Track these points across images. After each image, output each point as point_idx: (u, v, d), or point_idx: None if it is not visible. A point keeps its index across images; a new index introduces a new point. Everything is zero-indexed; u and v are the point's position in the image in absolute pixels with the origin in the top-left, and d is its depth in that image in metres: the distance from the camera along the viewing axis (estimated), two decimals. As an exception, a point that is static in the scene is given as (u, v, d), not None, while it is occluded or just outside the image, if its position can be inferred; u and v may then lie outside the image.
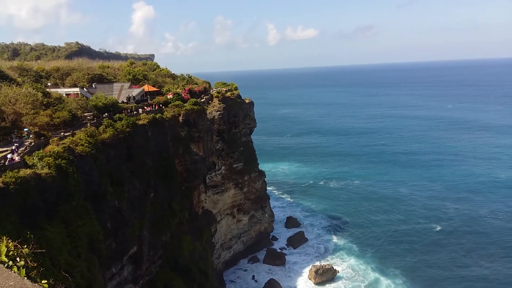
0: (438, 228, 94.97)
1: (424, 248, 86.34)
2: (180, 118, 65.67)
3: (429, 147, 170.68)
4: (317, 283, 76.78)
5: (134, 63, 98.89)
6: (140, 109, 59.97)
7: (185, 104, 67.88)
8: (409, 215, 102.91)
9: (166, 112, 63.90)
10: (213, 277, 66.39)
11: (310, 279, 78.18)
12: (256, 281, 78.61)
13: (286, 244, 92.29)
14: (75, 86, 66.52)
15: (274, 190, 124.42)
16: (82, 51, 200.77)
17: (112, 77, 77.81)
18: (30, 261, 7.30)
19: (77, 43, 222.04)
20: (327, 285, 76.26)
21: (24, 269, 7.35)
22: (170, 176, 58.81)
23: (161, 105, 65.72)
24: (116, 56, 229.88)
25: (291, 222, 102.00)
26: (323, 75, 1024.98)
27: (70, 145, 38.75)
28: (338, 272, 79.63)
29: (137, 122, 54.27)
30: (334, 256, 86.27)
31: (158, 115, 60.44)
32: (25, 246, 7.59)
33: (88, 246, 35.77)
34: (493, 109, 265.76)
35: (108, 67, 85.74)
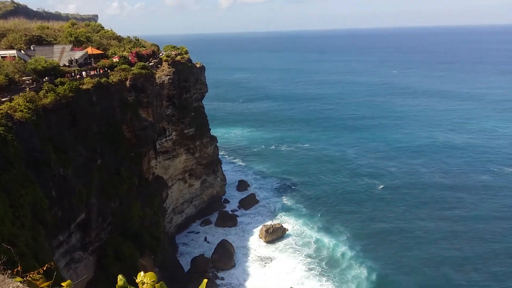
0: (381, 186, 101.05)
1: (369, 205, 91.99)
2: (127, 82, 63.81)
3: (375, 111, 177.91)
4: (267, 242, 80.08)
5: (76, 24, 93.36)
6: (83, 73, 57.55)
7: (132, 68, 65.80)
8: (355, 176, 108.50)
9: (112, 76, 61.80)
10: (165, 241, 67.36)
11: (261, 238, 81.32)
12: (208, 242, 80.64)
13: (237, 206, 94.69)
14: (11, 48, 62.26)
15: (226, 154, 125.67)
16: (18, 10, 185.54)
17: (52, 39, 73.34)
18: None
19: (12, 1, 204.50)
20: (277, 243, 79.76)
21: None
22: (117, 142, 57.81)
23: (106, 68, 63.31)
24: (56, 17, 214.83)
25: (242, 185, 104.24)
26: (275, 39, 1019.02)
27: (8, 111, 37.00)
28: (288, 230, 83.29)
29: (80, 86, 52.28)
30: (284, 216, 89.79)
31: (103, 79, 58.41)
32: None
33: (33, 215, 35.12)
34: (435, 75, 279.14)
35: (48, 28, 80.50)
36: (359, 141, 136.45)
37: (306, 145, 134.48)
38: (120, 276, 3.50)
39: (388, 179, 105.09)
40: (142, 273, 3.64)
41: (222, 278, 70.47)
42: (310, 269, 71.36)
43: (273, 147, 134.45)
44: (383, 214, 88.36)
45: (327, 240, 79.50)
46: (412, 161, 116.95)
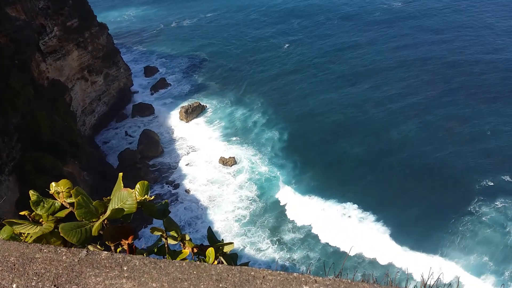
0: (287, 45, 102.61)
1: (276, 65, 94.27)
2: (-22, -24, 52.60)
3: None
4: (189, 121, 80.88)
5: None
6: None
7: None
8: (259, 36, 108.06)
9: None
10: (84, 144, 64.96)
11: (182, 119, 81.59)
12: (130, 135, 79.31)
13: (150, 94, 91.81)
14: None
15: (123, 41, 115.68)
16: None
17: None
18: None
19: None
20: (197, 120, 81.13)
21: None
22: (-6, 51, 50.09)
23: None
24: None
25: (149, 71, 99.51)
26: None
27: None
28: (206, 106, 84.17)
29: None
30: (199, 94, 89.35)
31: None
32: None
33: None
34: None
35: None
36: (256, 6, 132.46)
37: (209, 15, 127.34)
38: (31, 192, 3.19)
39: (292, 38, 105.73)
40: (53, 183, 3.29)
41: (154, 165, 71.70)
42: (234, 138, 75.05)
43: (174, 24, 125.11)
44: (291, 74, 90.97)
45: (243, 110, 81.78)
46: (311, 17, 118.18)
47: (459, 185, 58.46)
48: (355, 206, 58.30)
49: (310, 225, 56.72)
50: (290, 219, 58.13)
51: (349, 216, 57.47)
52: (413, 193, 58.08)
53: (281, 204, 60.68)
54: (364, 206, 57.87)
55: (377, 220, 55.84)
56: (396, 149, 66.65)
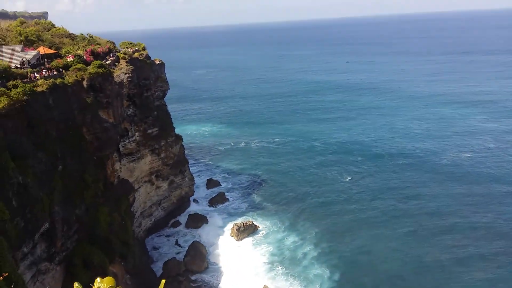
0: (349, 178, 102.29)
1: (337, 199, 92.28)
2: (84, 82, 60.59)
3: (341, 105, 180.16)
4: (239, 240, 79.14)
5: (25, 22, 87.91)
6: (37, 74, 53.99)
7: (88, 67, 62.53)
8: (323, 168, 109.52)
9: (67, 76, 58.37)
10: (135, 246, 64.95)
11: (232, 236, 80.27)
12: (179, 245, 78.67)
13: (207, 206, 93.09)
14: (-47, 50, 57.55)
15: (193, 153, 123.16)
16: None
17: (0, 39, 68.54)
18: None
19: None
20: (249, 241, 78.94)
21: None
22: (79, 147, 54.77)
23: (60, 69, 59.81)
24: (3, 15, 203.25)
25: (211, 184, 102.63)
26: (234, 33, 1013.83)
27: (-45, 118, 33.78)
28: (259, 227, 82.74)
29: (35, 89, 48.91)
30: (254, 213, 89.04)
31: (58, 80, 55.01)
32: None
33: (-9, 228, 32.33)
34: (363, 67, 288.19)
35: (-6, 28, 75.26)
36: (325, 133, 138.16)
37: (277, 139, 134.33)
38: (76, 284, 3.65)
39: (355, 171, 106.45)
40: (98, 279, 3.60)
41: (196, 281, 68.90)
42: (281, 268, 70.62)
43: (242, 144, 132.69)
44: (350, 208, 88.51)
45: (294, 238, 78.57)
46: (375, 151, 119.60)
47: None
48: None
49: None
50: None
51: None
52: None
53: None
54: None
55: None
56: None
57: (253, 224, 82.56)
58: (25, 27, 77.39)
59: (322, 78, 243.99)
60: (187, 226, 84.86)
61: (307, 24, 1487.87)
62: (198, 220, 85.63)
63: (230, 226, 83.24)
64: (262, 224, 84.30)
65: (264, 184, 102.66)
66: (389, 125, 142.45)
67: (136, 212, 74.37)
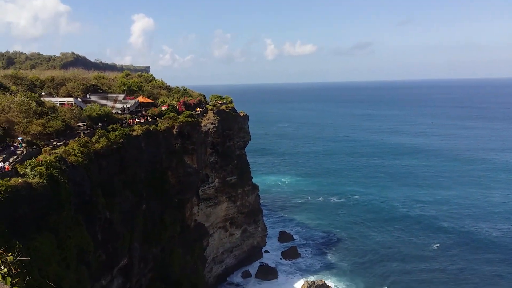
0: (437, 245, 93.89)
1: (420, 267, 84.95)
2: (174, 130, 65.55)
3: (425, 163, 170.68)
4: (309, 299, 75.82)
5: (130, 74, 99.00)
6: (134, 120, 59.82)
7: (179, 116, 67.84)
8: (407, 231, 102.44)
9: (160, 123, 63.79)
10: (204, 292, 65.48)
11: (302, 294, 77.23)
12: (248, 296, 77.58)
13: (279, 259, 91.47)
14: (69, 96, 66.38)
15: (268, 203, 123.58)
16: (78, 61, 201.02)
17: (107, 88, 77.74)
18: (15, 268, 7.13)
19: (72, 53, 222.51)
20: (319, 301, 75.27)
21: (9, 278, 7.17)
22: (162, 189, 58.37)
23: (155, 116, 65.64)
24: (112, 67, 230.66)
25: (284, 236, 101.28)
26: (320, 90, 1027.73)
27: (63, 155, 38.44)
28: (331, 288, 78.84)
29: (131, 133, 54.08)
30: (327, 272, 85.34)
31: (152, 127, 60.30)
32: (9, 254, 7.43)
33: (78, 257, 35.22)
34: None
35: (103, 78, 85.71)
36: (409, 194, 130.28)
37: (356, 197, 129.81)
38: None
39: (444, 237, 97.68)
40: None
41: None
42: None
43: (320, 198, 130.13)
44: (433, 275, 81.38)
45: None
46: (464, 212, 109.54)
47: None
48: None
49: None
50: None
51: None
52: None
53: None
54: None
55: None
56: None
57: (325, 284, 78.87)
58: (129, 79, 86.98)
59: (411, 141, 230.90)
60: (257, 277, 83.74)
61: (391, 84, 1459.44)
62: (268, 273, 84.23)
63: (300, 283, 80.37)
64: (335, 285, 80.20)
65: (340, 243, 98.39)
66: (483, 199, 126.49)
67: (208, 257, 75.65)
